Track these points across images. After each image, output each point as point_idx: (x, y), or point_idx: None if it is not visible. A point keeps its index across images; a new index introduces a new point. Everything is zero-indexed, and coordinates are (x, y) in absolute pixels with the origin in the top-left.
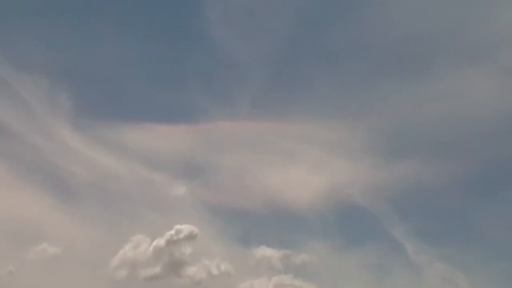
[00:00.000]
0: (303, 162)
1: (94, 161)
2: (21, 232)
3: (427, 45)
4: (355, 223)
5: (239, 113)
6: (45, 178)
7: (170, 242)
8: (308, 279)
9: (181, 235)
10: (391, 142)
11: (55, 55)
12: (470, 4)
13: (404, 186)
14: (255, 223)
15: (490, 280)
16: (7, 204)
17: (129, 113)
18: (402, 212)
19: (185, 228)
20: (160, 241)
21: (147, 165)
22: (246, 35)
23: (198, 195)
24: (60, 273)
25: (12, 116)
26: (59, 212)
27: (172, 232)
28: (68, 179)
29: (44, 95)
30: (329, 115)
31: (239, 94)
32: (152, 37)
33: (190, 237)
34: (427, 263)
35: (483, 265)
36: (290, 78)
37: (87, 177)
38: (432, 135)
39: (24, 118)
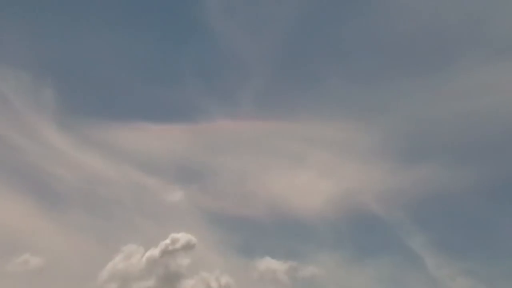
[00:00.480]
0: (311, 166)
1: (82, 164)
2: (1, 242)
3: (448, 37)
4: (368, 233)
5: (241, 112)
6: (28, 182)
7: (165, 253)
8: None
9: (178, 245)
10: (408, 143)
11: (39, 48)
12: None
13: (423, 192)
14: (259, 232)
15: None
16: None
17: (120, 111)
18: (421, 221)
19: (182, 237)
20: (154, 252)
21: (140, 168)
22: (249, 26)
23: (196, 201)
24: (43, 287)
25: None
26: (42, 219)
27: (168, 241)
28: (52, 183)
29: (26, 91)
30: (340, 114)
31: (241, 91)
32: (146, 28)
33: (188, 247)
34: (448, 278)
35: (510, 280)
36: (297, 74)
37: (74, 181)
38: (454, 136)
39: (4, 116)
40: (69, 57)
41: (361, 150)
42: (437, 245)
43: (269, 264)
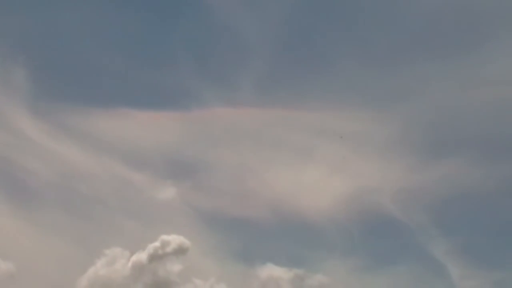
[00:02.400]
0: (320, 161)
1: (58, 156)
2: None
3: (479, 15)
4: (384, 238)
5: (240, 98)
6: None
7: (154, 257)
8: None
9: (168, 249)
10: (430, 136)
11: (9, 22)
12: None
13: (447, 192)
14: (260, 236)
15: None
16: None
17: (102, 96)
18: (444, 224)
19: (174, 240)
20: (141, 256)
21: (124, 162)
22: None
23: (189, 199)
24: None
25: None
26: (13, 219)
27: (157, 244)
28: (25, 178)
29: None
30: (353, 102)
31: (240, 74)
32: (132, 1)
33: (180, 250)
34: None
35: None
36: (305, 55)
37: (49, 175)
38: (481, 128)
39: None
40: (44, 33)
41: (377, 144)
42: (462, 252)
43: (271, 271)
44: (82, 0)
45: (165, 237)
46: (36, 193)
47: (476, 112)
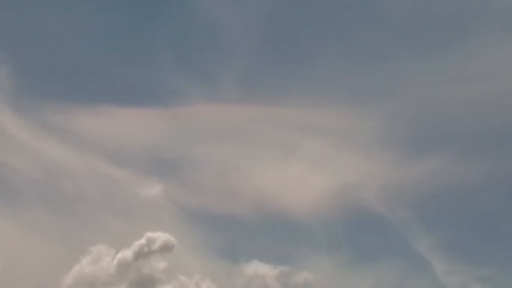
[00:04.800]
0: (304, 157)
1: (41, 153)
2: None
3: (461, 10)
4: (368, 234)
5: (223, 95)
6: None
7: (140, 255)
8: None
9: (154, 246)
10: (414, 132)
11: None
12: None
13: (431, 188)
14: (245, 232)
15: None
16: None
17: (85, 93)
18: (428, 220)
19: (159, 237)
20: (127, 253)
21: (108, 159)
22: None
23: (174, 196)
24: None
25: None
26: None
27: (143, 241)
28: (7, 175)
29: None
30: (336, 98)
31: (223, 70)
32: None
33: (165, 248)
34: (460, 285)
35: None
36: (288, 51)
37: (32, 173)
38: (467, 123)
39: None
40: (25, 30)
41: (361, 139)
42: (447, 248)
43: (257, 268)
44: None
45: (150, 234)
46: (19, 191)
47: (460, 107)
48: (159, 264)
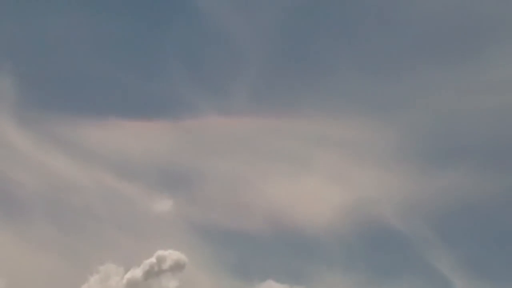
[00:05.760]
0: (318, 171)
1: (47, 167)
2: None
3: (480, 21)
4: (386, 251)
5: (234, 107)
6: None
7: (150, 274)
8: None
9: (165, 265)
10: (432, 145)
11: None
12: None
13: (450, 203)
14: (259, 250)
15: None
16: None
17: (92, 105)
18: (448, 236)
19: (170, 255)
20: (136, 272)
21: (116, 173)
22: (243, 3)
23: (184, 212)
24: None
25: None
26: (1, 233)
27: (153, 260)
28: (12, 190)
29: None
30: (351, 110)
31: (233, 81)
32: (121, 6)
33: (177, 267)
34: None
35: None
36: (301, 61)
37: (38, 188)
38: (485, 136)
39: None
40: (31, 39)
41: (377, 152)
42: (468, 265)
43: None
44: (70, 6)
45: (161, 252)
46: (23, 206)
47: (479, 119)
48: (170, 284)
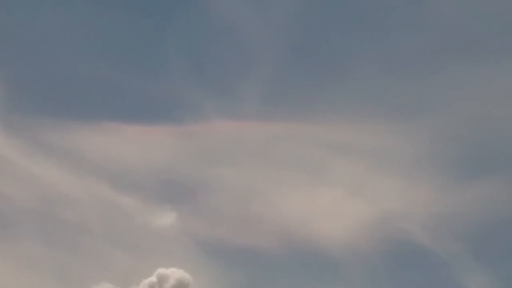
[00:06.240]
0: (337, 181)
1: (36, 178)
2: None
3: None
4: (412, 271)
5: (243, 110)
6: None
7: None
8: None
9: (167, 285)
10: (463, 153)
11: None
12: None
13: (484, 217)
14: (270, 270)
15: None
16: None
17: (85, 108)
18: (481, 254)
19: (172, 274)
20: None
21: (112, 183)
22: None
23: (188, 227)
24: None
25: None
26: None
27: (153, 279)
28: None
29: None
30: (373, 114)
31: (243, 82)
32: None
33: (180, 286)
34: None
35: None
36: (316, 60)
37: (27, 200)
38: None
39: None
40: (19, 37)
41: (402, 161)
42: (503, 286)
43: None
44: (61, 2)
45: (162, 270)
46: (10, 221)
47: None
48: None
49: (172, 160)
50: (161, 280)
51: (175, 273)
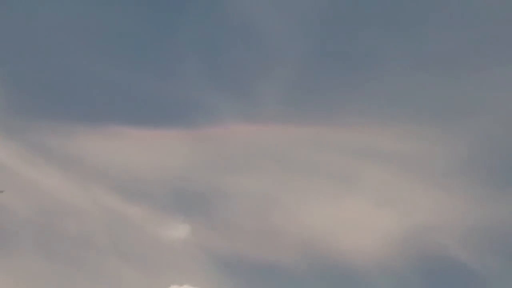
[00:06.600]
0: (365, 190)
1: (37, 186)
2: None
3: None
4: None
5: (263, 112)
6: None
7: None
8: None
9: None
10: (504, 160)
11: None
12: None
13: None
14: (290, 285)
15: None
16: None
17: (90, 110)
18: None
19: None
20: None
21: (120, 192)
22: None
23: (202, 239)
24: None
25: None
26: None
27: None
28: None
29: None
30: (405, 117)
31: (263, 82)
32: None
33: None
34: None
35: None
36: (343, 57)
37: (25, 210)
38: None
39: None
40: (18, 34)
41: (437, 169)
42: None
43: None
44: None
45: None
46: (9, 234)
47: None
48: None
49: (185, 167)
50: None
51: None
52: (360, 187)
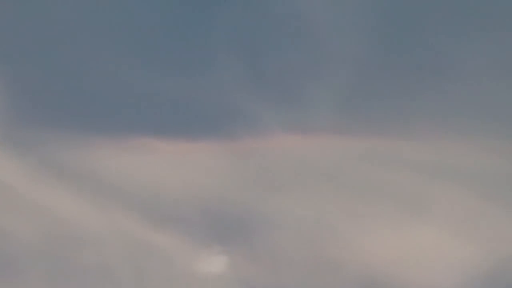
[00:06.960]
0: (438, 216)
1: (45, 209)
2: None
3: None
4: None
5: (313, 122)
6: None
7: None
8: None
9: None
10: None
11: None
12: None
13: None
14: None
15: None
16: None
17: (108, 120)
18: None
19: None
20: None
21: (144, 217)
22: None
23: (242, 273)
24: None
25: None
26: None
27: None
28: None
29: None
30: (486, 129)
31: (314, 87)
32: None
33: None
34: None
35: None
36: (409, 58)
37: (34, 236)
38: None
39: None
40: (23, 31)
41: None
42: None
43: None
44: None
45: None
46: (13, 263)
47: None
48: None
49: (222, 186)
50: None
51: None
52: (432, 212)
